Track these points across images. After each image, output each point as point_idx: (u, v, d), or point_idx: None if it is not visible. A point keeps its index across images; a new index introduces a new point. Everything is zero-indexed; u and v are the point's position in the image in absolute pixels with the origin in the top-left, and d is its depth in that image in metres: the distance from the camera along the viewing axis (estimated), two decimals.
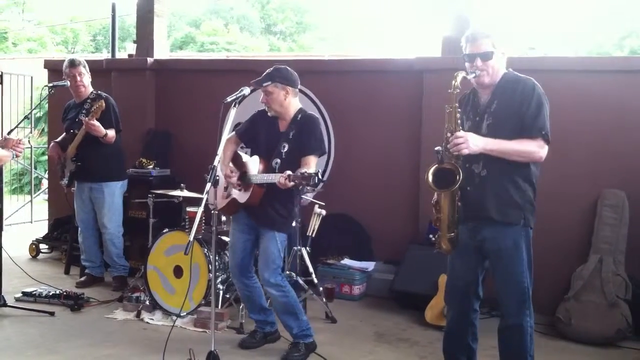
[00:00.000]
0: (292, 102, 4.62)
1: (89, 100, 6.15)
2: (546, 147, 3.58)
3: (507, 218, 3.61)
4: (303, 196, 5.67)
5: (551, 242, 5.79)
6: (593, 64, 6.37)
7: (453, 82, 3.57)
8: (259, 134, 4.66)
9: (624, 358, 4.96)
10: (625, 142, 5.74)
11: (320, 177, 4.06)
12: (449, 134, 3.57)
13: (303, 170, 4.14)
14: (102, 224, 6.24)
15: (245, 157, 4.74)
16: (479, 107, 3.74)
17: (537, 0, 27.67)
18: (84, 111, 6.06)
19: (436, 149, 3.59)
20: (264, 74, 4.56)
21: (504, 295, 3.70)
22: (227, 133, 4.29)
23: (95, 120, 5.82)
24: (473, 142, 3.50)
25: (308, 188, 4.28)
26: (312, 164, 4.44)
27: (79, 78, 6.16)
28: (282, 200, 4.54)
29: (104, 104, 5.86)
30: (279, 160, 4.51)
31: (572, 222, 5.84)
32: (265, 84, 4.50)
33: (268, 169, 4.51)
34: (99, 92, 6.25)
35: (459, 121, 3.59)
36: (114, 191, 6.22)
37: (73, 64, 6.19)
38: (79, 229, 6.40)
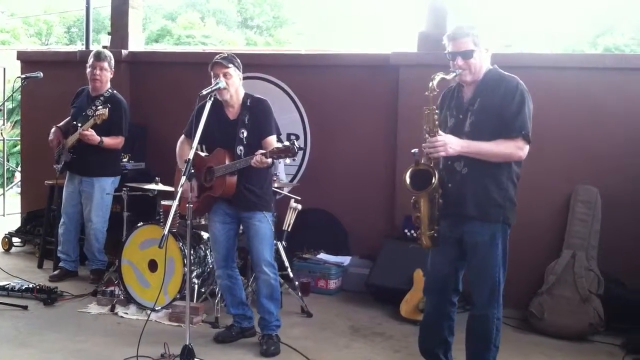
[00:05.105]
0: (241, 89, 4.70)
1: (102, 98, 6.08)
2: (526, 147, 3.60)
3: (487, 216, 3.65)
4: (278, 190, 5.66)
5: (525, 237, 5.82)
6: (567, 61, 6.41)
7: (430, 83, 3.56)
8: (210, 127, 4.54)
9: (596, 352, 5.01)
10: (599, 138, 5.80)
11: (297, 145, 4.11)
12: (427, 136, 3.60)
13: (275, 146, 4.23)
14: (88, 217, 6.16)
15: (202, 152, 4.78)
16: (462, 104, 3.75)
17: None
18: (93, 107, 6.00)
19: (413, 150, 3.64)
20: (221, 57, 4.60)
21: (475, 287, 3.76)
22: (201, 126, 4.27)
23: (89, 130, 5.80)
24: (451, 146, 3.55)
25: (287, 160, 4.25)
26: (275, 143, 4.50)
27: (97, 72, 6.09)
28: (256, 183, 4.59)
29: (106, 114, 5.78)
30: (242, 147, 4.56)
31: (545, 218, 5.89)
32: (229, 66, 4.55)
33: (234, 156, 4.55)
34: (114, 93, 6.18)
35: (436, 122, 3.59)
36: (105, 187, 6.14)
37: (99, 57, 6.12)
38: (62, 220, 6.31)
